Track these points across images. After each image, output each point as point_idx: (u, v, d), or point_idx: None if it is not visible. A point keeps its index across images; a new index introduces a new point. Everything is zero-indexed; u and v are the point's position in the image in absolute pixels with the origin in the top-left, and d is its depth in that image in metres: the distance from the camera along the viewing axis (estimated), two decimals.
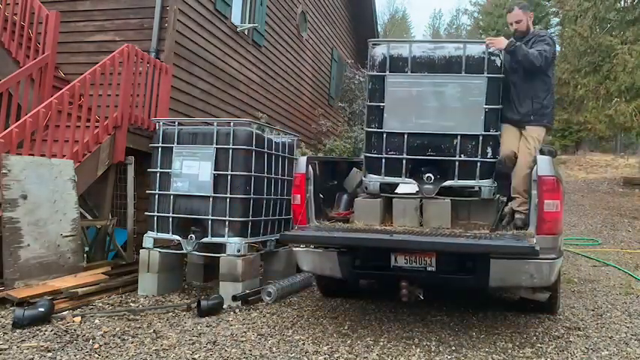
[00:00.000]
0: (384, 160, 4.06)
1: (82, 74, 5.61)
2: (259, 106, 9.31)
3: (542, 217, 3.52)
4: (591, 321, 4.28)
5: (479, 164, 3.93)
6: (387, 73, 4.00)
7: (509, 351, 3.51)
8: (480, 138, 3.93)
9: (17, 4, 6.42)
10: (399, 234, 3.66)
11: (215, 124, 4.98)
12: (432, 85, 3.95)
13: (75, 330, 3.73)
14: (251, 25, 8.86)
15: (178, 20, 6.90)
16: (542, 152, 5.00)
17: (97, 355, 3.27)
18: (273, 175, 5.30)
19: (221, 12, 7.98)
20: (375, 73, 4.07)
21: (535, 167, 3.64)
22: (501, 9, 34.99)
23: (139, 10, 6.94)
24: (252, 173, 4.89)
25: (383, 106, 4.03)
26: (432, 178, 3.98)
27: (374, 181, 4.10)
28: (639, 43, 13.81)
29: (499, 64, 3.95)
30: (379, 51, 4.08)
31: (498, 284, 3.70)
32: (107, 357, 3.26)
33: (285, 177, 5.52)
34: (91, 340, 3.52)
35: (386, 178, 4.07)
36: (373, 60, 4.08)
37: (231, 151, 4.82)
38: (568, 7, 17.18)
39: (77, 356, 3.24)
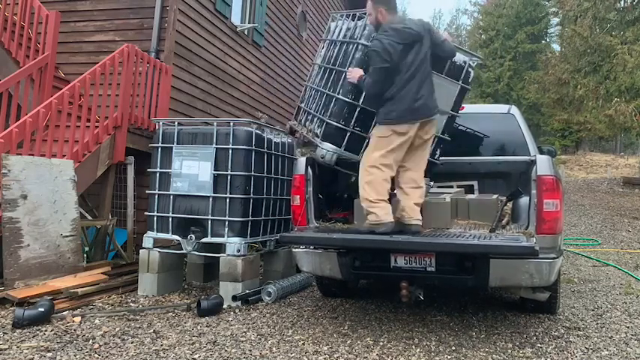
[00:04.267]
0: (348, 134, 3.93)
1: (82, 74, 5.62)
2: (259, 106, 9.31)
3: (542, 216, 3.52)
4: (591, 321, 4.28)
5: None
6: None
7: (509, 351, 3.51)
8: None
9: (17, 4, 6.42)
10: (399, 235, 3.66)
11: (215, 124, 4.98)
12: None
13: (75, 330, 3.74)
14: (251, 25, 8.87)
15: (178, 20, 6.91)
16: (541, 152, 5.02)
17: (97, 355, 3.27)
18: (273, 175, 5.31)
19: (221, 12, 7.99)
20: None
21: (534, 167, 3.64)
22: (501, 9, 35.03)
23: (139, 10, 6.95)
24: (252, 173, 4.90)
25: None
26: None
27: (331, 151, 3.93)
28: (639, 43, 13.84)
29: None
30: None
31: (498, 284, 3.70)
32: (107, 357, 3.26)
33: (285, 177, 5.52)
34: (91, 340, 3.52)
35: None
36: None
37: (230, 151, 4.82)
38: (568, 7, 17.21)
39: (77, 356, 3.24)
